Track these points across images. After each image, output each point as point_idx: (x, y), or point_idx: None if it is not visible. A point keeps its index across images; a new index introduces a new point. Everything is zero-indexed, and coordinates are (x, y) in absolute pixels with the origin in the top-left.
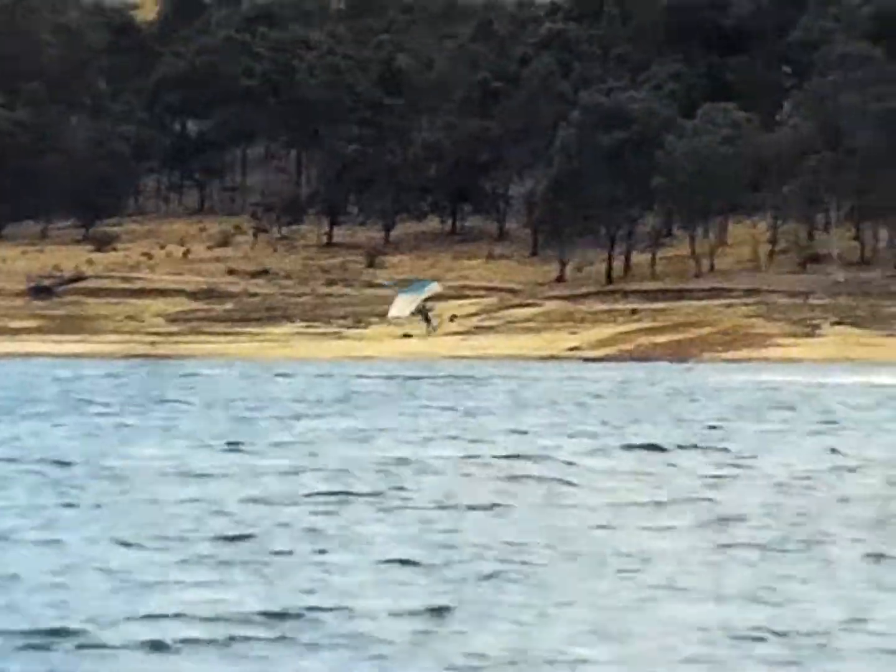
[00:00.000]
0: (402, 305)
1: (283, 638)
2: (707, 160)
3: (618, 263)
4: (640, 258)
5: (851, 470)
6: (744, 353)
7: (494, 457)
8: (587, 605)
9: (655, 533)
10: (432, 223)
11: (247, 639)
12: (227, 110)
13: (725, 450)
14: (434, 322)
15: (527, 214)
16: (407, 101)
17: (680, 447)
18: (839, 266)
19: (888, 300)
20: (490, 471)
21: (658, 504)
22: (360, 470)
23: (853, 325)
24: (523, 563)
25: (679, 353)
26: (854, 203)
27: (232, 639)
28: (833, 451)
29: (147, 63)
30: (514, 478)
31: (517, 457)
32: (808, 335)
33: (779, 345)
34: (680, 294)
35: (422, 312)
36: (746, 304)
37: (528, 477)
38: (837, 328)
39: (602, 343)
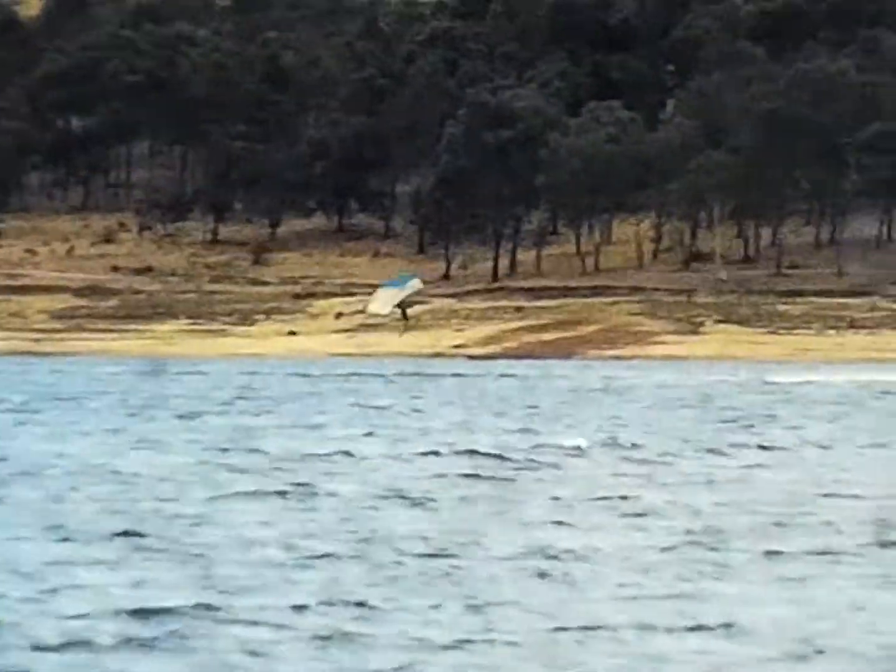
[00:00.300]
0: (384, 301)
1: (201, 633)
2: (592, 158)
3: (504, 261)
4: (525, 256)
5: (761, 467)
6: (629, 350)
7: (413, 454)
8: (509, 604)
9: (576, 531)
10: (319, 220)
11: (170, 633)
12: (111, 107)
13: (639, 447)
14: (411, 320)
15: (413, 212)
16: (293, 98)
17: (595, 445)
18: (722, 264)
19: (770, 298)
20: (410, 467)
21: (580, 501)
22: (275, 466)
23: (736, 322)
24: (447, 557)
25: (564, 351)
26: (737, 202)
27: (155, 637)
28: (744, 446)
29: (30, 59)
30: (434, 475)
31: (434, 454)
32: (691, 333)
33: (663, 342)
34: (565, 292)
35: (401, 308)
36: (631, 302)
37: (448, 474)
38: (720, 326)
39: (488, 341)
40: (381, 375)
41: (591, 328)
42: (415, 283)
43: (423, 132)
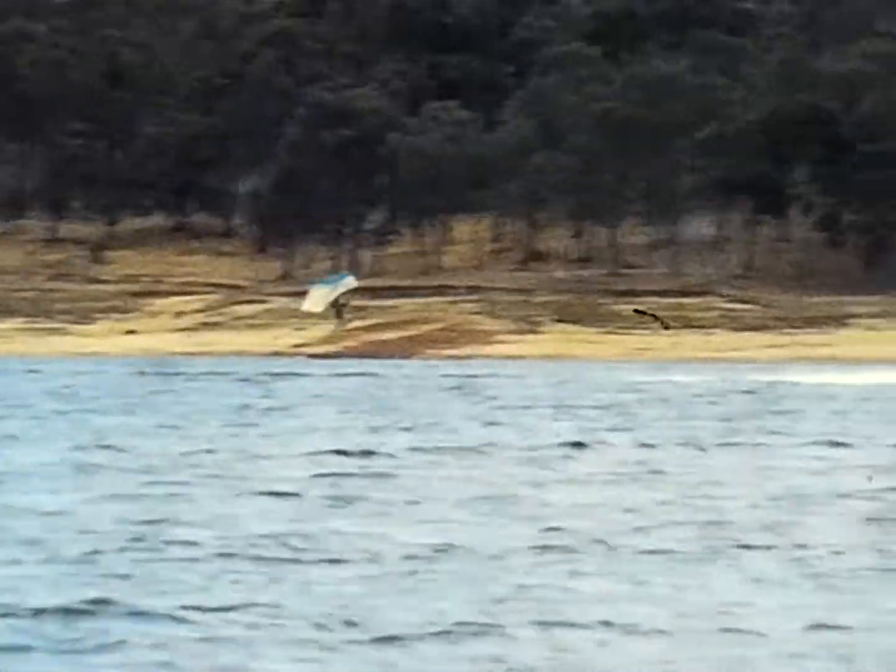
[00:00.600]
0: (317, 299)
1: (76, 638)
2: (430, 158)
3: (344, 261)
4: (366, 255)
5: (627, 464)
6: (468, 349)
7: (278, 453)
8: (380, 605)
9: (445, 529)
10: (158, 219)
11: (47, 633)
12: None
13: (506, 446)
14: (347, 317)
15: (253, 211)
16: (131, 95)
17: (460, 444)
18: (560, 264)
19: (608, 298)
20: (276, 465)
21: (448, 500)
22: (142, 464)
23: (573, 322)
24: (317, 557)
25: (405, 351)
26: (574, 201)
27: (28, 638)
28: (610, 445)
29: None
30: (300, 474)
31: (300, 453)
32: (530, 332)
33: (502, 342)
34: (405, 291)
35: (335, 306)
36: (470, 302)
37: (314, 473)
38: (558, 325)
39: (327, 340)
40: (229, 373)
41: (431, 327)
42: (348, 282)
43: (262, 131)
